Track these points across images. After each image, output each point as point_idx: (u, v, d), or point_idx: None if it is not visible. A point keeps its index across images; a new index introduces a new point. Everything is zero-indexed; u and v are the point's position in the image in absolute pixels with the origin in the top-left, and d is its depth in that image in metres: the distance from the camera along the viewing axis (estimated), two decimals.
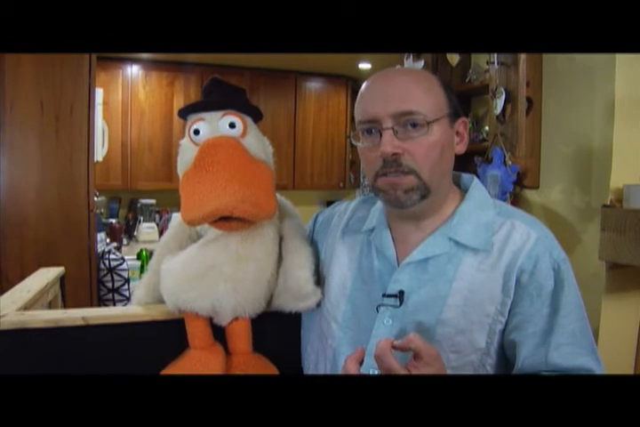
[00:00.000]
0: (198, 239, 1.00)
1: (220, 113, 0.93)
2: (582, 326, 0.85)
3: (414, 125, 0.82)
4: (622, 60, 1.67)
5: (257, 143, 0.95)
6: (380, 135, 0.83)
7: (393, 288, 0.87)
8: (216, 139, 0.91)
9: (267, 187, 0.91)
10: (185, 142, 0.95)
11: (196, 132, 0.92)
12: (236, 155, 0.90)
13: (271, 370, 0.98)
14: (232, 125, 0.92)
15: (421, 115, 0.82)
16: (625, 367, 1.73)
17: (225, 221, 0.87)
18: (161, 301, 0.97)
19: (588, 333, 0.86)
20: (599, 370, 0.84)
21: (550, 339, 0.82)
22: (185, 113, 0.96)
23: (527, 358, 0.83)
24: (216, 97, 0.95)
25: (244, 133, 0.93)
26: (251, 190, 0.87)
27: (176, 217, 1.03)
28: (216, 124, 0.92)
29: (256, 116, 0.98)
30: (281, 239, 0.99)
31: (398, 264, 0.89)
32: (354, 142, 0.89)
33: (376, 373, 0.87)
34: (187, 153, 0.93)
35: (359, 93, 0.88)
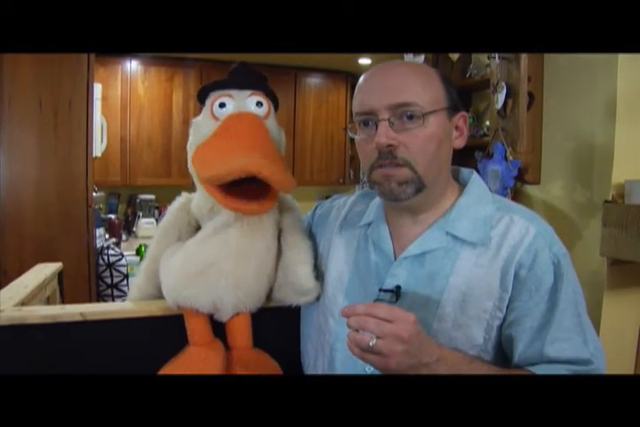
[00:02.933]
0: (197, 226, 0.99)
1: (247, 92, 0.93)
2: (581, 320, 0.84)
3: (410, 117, 0.82)
4: (624, 55, 1.66)
5: (275, 129, 0.95)
6: (376, 127, 0.82)
7: (389, 283, 0.87)
8: (242, 113, 0.91)
9: (284, 166, 0.89)
10: (202, 118, 0.94)
11: (222, 105, 0.92)
12: (261, 130, 0.89)
13: (272, 365, 0.97)
14: (259, 104, 0.92)
15: (418, 106, 0.82)
16: (626, 363, 1.73)
17: (239, 198, 0.83)
18: (160, 288, 0.96)
19: (588, 327, 0.85)
20: (598, 363, 0.83)
21: (546, 334, 0.82)
22: (210, 89, 0.95)
23: (523, 353, 0.83)
24: (245, 77, 0.95)
25: (267, 115, 0.94)
26: (274, 161, 0.84)
27: (175, 202, 1.02)
28: (243, 102, 0.92)
29: (276, 104, 0.98)
30: (280, 232, 0.98)
31: (395, 259, 0.89)
32: (350, 134, 0.89)
33: (372, 369, 0.87)
34: (203, 128, 0.92)
35: (357, 86, 0.88)
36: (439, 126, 0.84)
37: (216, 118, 0.91)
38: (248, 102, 0.92)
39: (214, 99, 0.93)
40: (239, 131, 0.87)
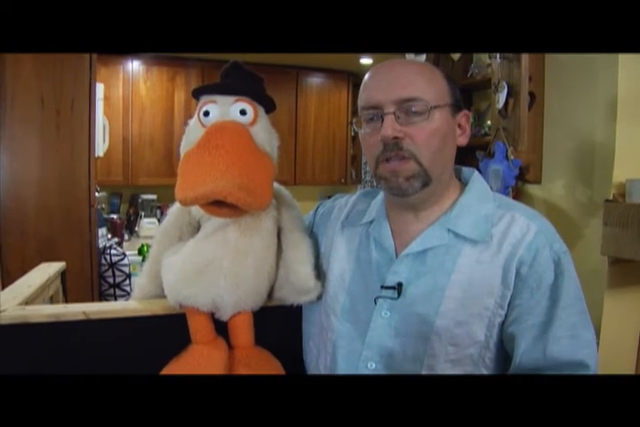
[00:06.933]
0: (198, 226, 0.99)
1: (232, 98, 0.92)
2: (582, 318, 0.84)
3: (416, 112, 0.83)
4: (625, 54, 1.65)
5: (264, 134, 0.94)
6: (382, 120, 0.84)
7: (391, 280, 0.87)
8: (224, 123, 0.90)
9: (266, 178, 0.90)
10: (193, 123, 0.94)
11: (206, 113, 0.92)
12: (242, 142, 0.89)
13: (274, 364, 0.98)
14: (243, 112, 0.92)
15: (423, 101, 0.83)
16: (627, 362, 1.72)
17: (217, 206, 0.85)
18: (163, 288, 0.96)
19: (588, 326, 0.85)
20: (593, 366, 0.83)
21: (549, 332, 0.82)
22: (198, 93, 0.95)
23: (526, 352, 0.83)
24: (232, 81, 0.94)
25: (253, 122, 0.93)
26: (249, 179, 0.85)
27: (175, 202, 1.03)
28: (227, 109, 0.91)
29: (269, 106, 0.97)
30: (279, 231, 0.98)
31: (397, 256, 0.89)
32: (355, 129, 0.90)
33: (374, 366, 0.87)
34: (192, 134, 0.92)
35: (363, 82, 0.89)
36: (443, 122, 0.85)
37: (202, 125, 0.92)
38: (232, 110, 0.91)
39: (202, 104, 0.93)
40: (219, 144, 0.87)
